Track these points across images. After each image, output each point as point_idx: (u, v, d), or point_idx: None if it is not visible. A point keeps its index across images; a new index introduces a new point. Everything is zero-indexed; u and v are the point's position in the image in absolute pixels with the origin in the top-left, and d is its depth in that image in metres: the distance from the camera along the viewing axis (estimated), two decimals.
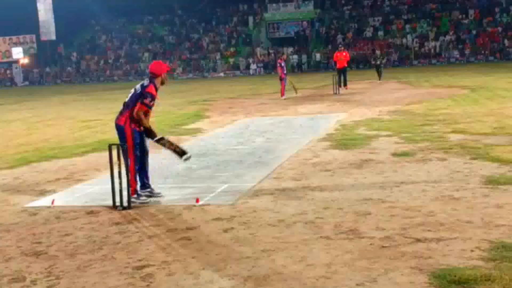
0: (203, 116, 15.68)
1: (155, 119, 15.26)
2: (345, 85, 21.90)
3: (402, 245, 4.51)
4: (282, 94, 19.96)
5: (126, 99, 6.50)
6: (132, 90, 6.53)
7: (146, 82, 6.49)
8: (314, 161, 8.22)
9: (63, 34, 49.21)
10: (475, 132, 9.75)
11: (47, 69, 49.95)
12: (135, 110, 6.31)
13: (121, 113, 6.48)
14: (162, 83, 6.57)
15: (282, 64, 20.70)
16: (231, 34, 48.23)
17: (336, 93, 20.13)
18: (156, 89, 6.49)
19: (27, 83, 49.05)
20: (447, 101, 15.37)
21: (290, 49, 43.46)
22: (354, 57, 39.58)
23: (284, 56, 23.90)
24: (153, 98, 6.41)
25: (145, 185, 6.54)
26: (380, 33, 43.53)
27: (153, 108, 6.59)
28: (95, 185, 7.41)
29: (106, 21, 51.25)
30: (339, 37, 42.85)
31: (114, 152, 6.14)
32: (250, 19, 48.63)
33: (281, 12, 45.89)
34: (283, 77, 20.23)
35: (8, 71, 50.54)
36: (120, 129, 6.42)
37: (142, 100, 6.31)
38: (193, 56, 46.76)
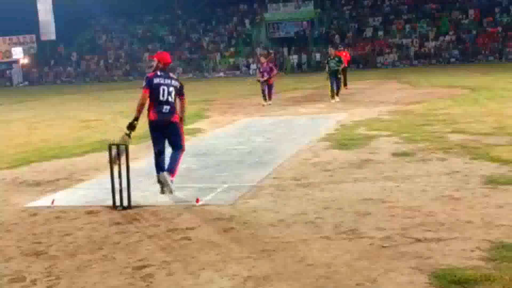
0: (203, 116, 15.67)
1: None
2: (345, 85, 21.86)
3: (402, 245, 4.51)
4: (269, 98, 17.59)
5: (170, 98, 6.62)
6: (170, 88, 6.64)
7: (172, 75, 6.87)
8: (314, 161, 8.21)
9: (63, 34, 49.15)
10: (475, 132, 9.75)
11: (47, 69, 49.93)
12: (185, 101, 6.95)
13: (171, 112, 6.64)
14: None
15: (260, 67, 18.03)
16: (231, 34, 48.22)
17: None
18: None
19: (26, 83, 49.01)
20: (447, 101, 15.36)
21: (287, 50, 43.43)
22: (354, 57, 39.62)
23: (263, 58, 18.79)
24: None
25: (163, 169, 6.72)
26: (380, 33, 43.49)
27: None
28: (95, 185, 7.41)
29: (106, 21, 51.17)
30: (337, 37, 42.72)
31: (114, 152, 6.14)
32: (250, 19, 48.63)
33: (281, 12, 45.80)
34: (261, 81, 17.55)
35: (8, 71, 50.53)
36: (176, 126, 6.72)
37: (182, 92, 6.83)
38: (193, 56, 46.73)
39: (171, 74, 6.84)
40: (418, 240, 4.60)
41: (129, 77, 45.24)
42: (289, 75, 36.81)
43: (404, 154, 8.27)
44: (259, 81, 17.84)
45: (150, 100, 6.61)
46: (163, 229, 5.34)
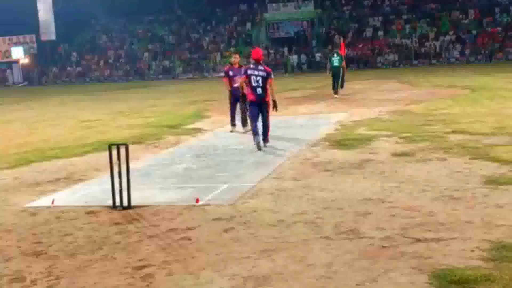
0: (203, 116, 15.67)
1: (156, 119, 15.30)
2: (341, 86, 21.78)
3: (402, 245, 4.51)
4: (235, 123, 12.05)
5: (259, 84, 9.30)
6: (258, 77, 9.30)
7: (261, 66, 9.42)
8: (314, 161, 8.21)
9: (63, 34, 49.18)
10: (475, 132, 9.75)
11: (47, 69, 49.90)
12: (272, 85, 9.44)
13: (263, 94, 9.37)
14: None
15: (232, 73, 11.88)
16: (231, 34, 48.22)
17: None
18: None
19: (26, 83, 48.99)
20: (447, 101, 15.35)
21: (287, 50, 43.38)
22: (354, 57, 39.63)
23: (235, 59, 12.29)
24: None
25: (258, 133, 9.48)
26: (380, 33, 43.51)
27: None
28: (95, 185, 7.41)
29: (106, 21, 51.17)
30: (337, 37, 42.68)
31: (114, 152, 6.14)
32: (250, 19, 48.64)
33: (281, 12, 45.84)
34: (235, 87, 11.46)
35: (8, 71, 50.53)
36: (266, 104, 9.47)
37: (270, 77, 9.37)
38: (193, 56, 46.73)
39: (260, 66, 9.38)
40: (418, 240, 4.60)
41: (129, 77, 45.23)
42: (289, 75, 36.81)
43: (404, 154, 8.27)
44: (231, 91, 11.89)
45: (248, 85, 9.45)
46: (163, 229, 5.33)
